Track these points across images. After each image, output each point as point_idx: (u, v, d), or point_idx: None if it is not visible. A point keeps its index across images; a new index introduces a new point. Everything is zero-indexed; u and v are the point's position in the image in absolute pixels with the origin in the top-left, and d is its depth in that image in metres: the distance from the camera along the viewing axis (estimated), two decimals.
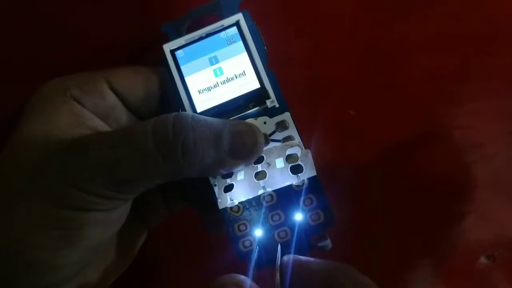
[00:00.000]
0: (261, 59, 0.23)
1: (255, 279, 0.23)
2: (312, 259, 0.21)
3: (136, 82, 0.24)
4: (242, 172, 0.23)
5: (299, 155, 0.22)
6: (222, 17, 0.24)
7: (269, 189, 0.22)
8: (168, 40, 0.24)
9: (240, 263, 0.22)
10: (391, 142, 0.30)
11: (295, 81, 0.29)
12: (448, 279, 0.31)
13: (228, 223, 0.23)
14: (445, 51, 0.30)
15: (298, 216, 0.22)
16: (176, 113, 0.21)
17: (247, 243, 0.23)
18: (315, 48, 0.30)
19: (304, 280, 0.21)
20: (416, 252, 0.31)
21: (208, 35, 0.24)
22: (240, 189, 0.22)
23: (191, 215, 0.27)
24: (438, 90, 0.30)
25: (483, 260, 0.31)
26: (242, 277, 0.21)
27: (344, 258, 0.20)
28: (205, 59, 0.23)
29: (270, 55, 0.23)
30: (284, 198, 0.23)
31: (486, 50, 0.30)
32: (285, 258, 0.21)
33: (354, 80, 0.30)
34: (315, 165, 0.22)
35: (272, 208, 0.23)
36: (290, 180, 0.22)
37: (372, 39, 0.29)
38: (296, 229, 0.22)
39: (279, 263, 0.21)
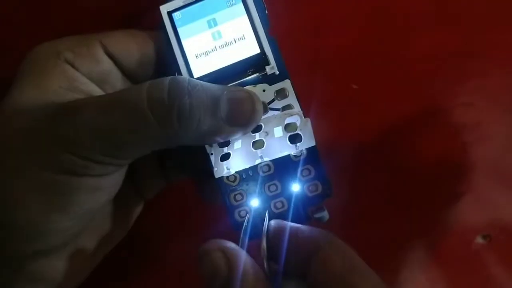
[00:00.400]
0: (262, 23, 0.22)
1: (247, 248, 0.23)
2: (297, 225, 0.21)
3: (132, 46, 0.23)
4: (239, 141, 0.22)
5: (298, 124, 0.22)
6: None
7: (266, 159, 0.22)
8: (165, 1, 0.23)
9: (235, 234, 0.22)
10: (391, 118, 0.30)
11: (296, 51, 0.28)
12: (443, 260, 0.31)
13: (224, 192, 0.22)
14: (448, 27, 0.29)
15: (295, 187, 0.22)
16: (172, 77, 0.20)
17: (243, 213, 0.22)
18: (318, 18, 0.29)
19: (291, 247, 0.20)
20: (412, 232, 0.31)
21: None
22: (237, 158, 0.22)
23: (187, 186, 0.27)
24: (440, 66, 0.29)
25: (479, 239, 0.31)
26: (229, 243, 0.20)
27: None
28: (203, 21, 0.22)
29: (273, 23, 0.23)
30: (281, 168, 0.22)
31: (489, 27, 0.29)
32: (272, 223, 0.21)
33: (357, 53, 0.29)
34: (314, 135, 0.22)
35: (269, 178, 0.22)
36: (289, 149, 0.22)
37: (374, 13, 0.29)
38: (293, 200, 0.22)
39: (265, 229, 0.21)
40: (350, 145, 0.30)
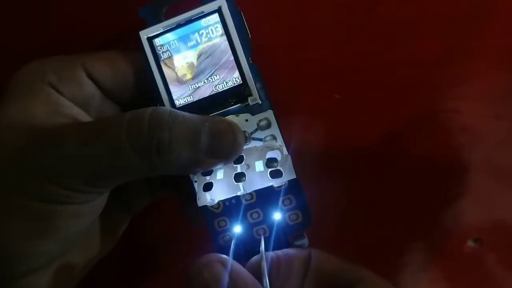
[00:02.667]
0: (244, 52, 0.22)
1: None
2: (279, 252, 0.22)
3: (114, 69, 0.23)
4: (222, 172, 0.22)
5: (279, 159, 0.22)
6: (202, 2, 0.22)
7: (248, 190, 0.22)
8: (146, 25, 0.22)
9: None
10: (376, 126, 0.30)
11: (276, 64, 0.28)
12: (438, 262, 0.32)
13: (208, 218, 0.23)
14: (429, 33, 0.28)
15: (277, 215, 0.22)
16: (153, 108, 0.20)
17: (226, 238, 0.23)
18: (296, 30, 0.28)
19: (284, 268, 0.22)
20: (406, 236, 0.32)
21: (188, 22, 0.22)
22: (219, 189, 0.22)
23: (172, 203, 0.27)
24: (423, 73, 0.29)
25: (470, 243, 0.31)
26: (226, 256, 0.22)
27: (335, 241, 0.21)
28: (184, 48, 0.22)
29: (252, 37, 0.22)
30: (263, 197, 0.22)
31: (470, 32, 0.28)
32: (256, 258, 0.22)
33: (337, 63, 0.28)
34: (294, 168, 0.22)
35: (251, 206, 0.23)
36: (270, 182, 0.22)
37: (354, 21, 0.28)
38: (275, 228, 0.22)
39: (263, 251, 0.22)
40: (338, 155, 0.30)
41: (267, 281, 0.21)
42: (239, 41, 0.21)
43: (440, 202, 0.31)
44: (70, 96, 0.22)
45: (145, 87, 0.23)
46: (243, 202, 0.23)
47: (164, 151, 0.20)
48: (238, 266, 0.21)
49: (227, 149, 0.21)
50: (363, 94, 0.29)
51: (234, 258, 0.23)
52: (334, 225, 0.24)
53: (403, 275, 0.32)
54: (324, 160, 0.30)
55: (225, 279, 0.20)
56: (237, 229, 0.23)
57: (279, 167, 0.22)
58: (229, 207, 0.23)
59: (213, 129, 0.21)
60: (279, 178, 0.22)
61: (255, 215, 0.23)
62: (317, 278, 0.21)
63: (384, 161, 0.30)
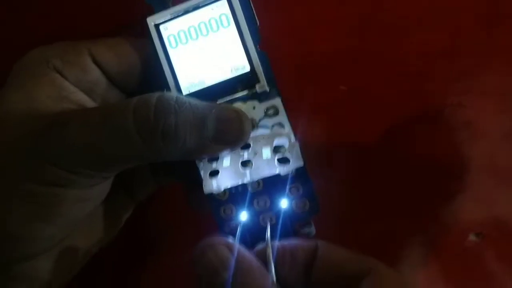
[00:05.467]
0: (252, 39, 0.21)
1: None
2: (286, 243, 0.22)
3: (120, 55, 0.23)
4: (228, 159, 0.22)
5: (286, 146, 0.22)
6: None
7: (255, 178, 0.22)
8: (153, 12, 0.22)
9: None
10: (381, 119, 0.30)
11: (283, 56, 0.27)
12: (441, 257, 0.32)
13: (214, 206, 0.23)
14: (436, 26, 0.28)
15: (284, 203, 0.22)
16: (159, 93, 0.20)
17: (232, 226, 0.23)
18: (303, 22, 0.28)
19: (289, 257, 0.21)
20: (409, 230, 0.32)
21: (196, 8, 0.22)
22: (225, 176, 0.22)
23: (178, 190, 0.27)
24: (429, 66, 0.29)
25: (472, 237, 0.31)
26: (231, 240, 0.21)
27: (335, 235, 0.21)
28: (192, 35, 0.22)
29: (260, 29, 0.22)
30: (270, 185, 0.22)
31: (478, 26, 0.28)
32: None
33: (344, 55, 0.28)
34: (302, 154, 0.22)
35: (258, 194, 0.23)
36: (277, 170, 0.22)
37: (361, 13, 0.28)
38: (281, 216, 0.22)
39: (269, 238, 0.22)
40: (342, 147, 0.30)
41: (273, 268, 0.20)
42: (247, 28, 0.21)
43: (441, 196, 0.31)
44: (74, 81, 0.22)
45: (151, 74, 0.23)
46: (250, 190, 0.23)
47: (170, 136, 0.19)
48: (244, 250, 0.21)
49: (233, 135, 0.21)
50: (369, 86, 0.29)
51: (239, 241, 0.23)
52: (334, 218, 0.24)
53: (402, 268, 0.32)
54: (327, 152, 0.30)
55: (231, 262, 0.20)
56: (243, 216, 0.23)
57: (286, 154, 0.22)
58: (235, 194, 0.23)
59: (219, 116, 0.20)
60: (286, 165, 0.22)
61: (261, 203, 0.23)
62: (324, 269, 0.21)
63: (387, 154, 0.30)
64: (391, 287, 0.20)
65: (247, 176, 0.22)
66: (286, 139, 0.21)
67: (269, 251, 0.21)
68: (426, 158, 0.30)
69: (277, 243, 0.22)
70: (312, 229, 0.23)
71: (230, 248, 0.20)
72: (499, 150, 0.30)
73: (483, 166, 0.30)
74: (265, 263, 0.21)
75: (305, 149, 0.22)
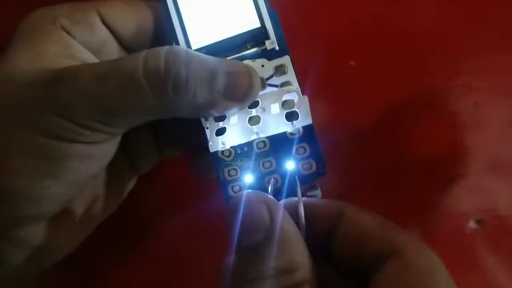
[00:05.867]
0: None
1: None
2: (311, 200, 0.21)
3: (130, 16, 0.23)
4: (236, 116, 0.22)
5: (295, 101, 0.21)
6: None
7: (262, 135, 0.22)
8: None
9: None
10: (389, 97, 0.30)
11: (293, 23, 0.27)
12: (437, 243, 0.31)
13: (218, 167, 0.22)
14: (449, 2, 0.28)
15: (290, 165, 0.22)
16: (170, 46, 0.20)
17: (236, 188, 0.22)
18: None
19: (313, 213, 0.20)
20: (405, 216, 0.31)
21: None
22: (232, 133, 0.22)
23: (179, 162, 0.26)
24: (440, 43, 0.29)
25: (471, 224, 0.31)
26: (272, 199, 0.19)
27: None
28: None
29: None
30: (277, 145, 0.22)
31: (491, 3, 0.28)
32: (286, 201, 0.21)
33: (355, 29, 0.29)
34: (311, 113, 0.21)
35: (264, 155, 0.22)
36: (285, 127, 0.22)
37: None
38: (288, 177, 0.22)
39: (300, 196, 0.21)
40: (346, 123, 0.30)
41: (304, 231, 0.19)
42: None
43: (442, 181, 0.31)
44: (82, 40, 0.22)
45: (161, 35, 0.23)
46: (256, 150, 0.22)
47: (180, 88, 0.19)
48: (284, 215, 0.19)
49: (243, 90, 0.21)
50: (378, 63, 0.29)
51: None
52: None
53: None
54: (329, 128, 0.29)
55: (270, 230, 0.18)
56: (248, 178, 0.22)
57: (295, 109, 0.21)
58: (241, 154, 0.22)
59: (230, 70, 0.20)
60: (295, 121, 0.21)
61: (267, 164, 0.22)
62: (345, 241, 0.19)
63: (389, 135, 0.30)
64: (415, 278, 0.17)
65: (255, 133, 0.22)
66: (295, 94, 0.21)
67: (301, 210, 0.20)
68: (429, 141, 0.30)
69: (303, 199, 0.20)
70: (318, 192, 0.22)
71: (270, 209, 0.19)
72: (506, 135, 0.30)
73: (485, 153, 0.30)
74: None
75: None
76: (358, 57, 0.28)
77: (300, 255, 0.18)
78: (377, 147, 0.30)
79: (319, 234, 0.20)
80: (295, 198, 0.21)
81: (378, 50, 0.29)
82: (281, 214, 0.19)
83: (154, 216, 0.31)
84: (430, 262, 0.18)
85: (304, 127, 0.22)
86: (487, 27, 0.29)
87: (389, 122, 0.30)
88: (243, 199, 0.19)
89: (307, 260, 0.18)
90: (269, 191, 0.21)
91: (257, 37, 0.22)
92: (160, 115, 0.20)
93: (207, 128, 0.22)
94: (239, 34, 0.22)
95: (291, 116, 0.21)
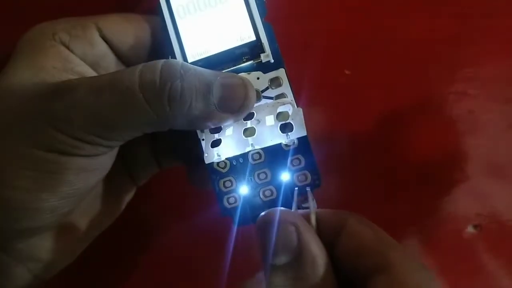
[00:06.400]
0: (258, 10, 0.22)
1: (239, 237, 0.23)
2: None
3: (127, 30, 0.23)
4: (231, 128, 0.22)
5: (290, 113, 0.21)
6: None
7: (257, 147, 0.22)
8: None
9: (224, 220, 0.22)
10: (384, 105, 0.30)
11: (287, 35, 0.28)
12: (435, 248, 0.31)
13: (214, 178, 0.22)
14: (443, 12, 0.28)
15: (285, 176, 0.22)
16: (165, 60, 0.20)
17: (231, 200, 0.22)
18: (307, 2, 0.28)
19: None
20: (404, 220, 0.31)
21: None
22: (227, 145, 0.22)
23: (177, 173, 0.27)
24: (434, 52, 0.29)
25: (470, 229, 0.31)
26: (300, 217, 0.20)
27: None
28: (200, 6, 0.22)
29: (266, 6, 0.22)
30: (272, 156, 0.22)
31: (488, 12, 0.29)
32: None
33: (349, 39, 0.29)
34: (306, 125, 0.22)
35: (259, 166, 0.22)
36: (280, 138, 0.22)
37: None
38: (283, 188, 0.22)
39: (312, 205, 0.21)
40: (342, 132, 0.30)
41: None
42: (254, 0, 0.22)
43: (440, 186, 0.31)
44: (81, 54, 0.22)
45: (158, 49, 0.23)
46: (251, 161, 0.22)
47: (176, 101, 0.19)
48: (312, 235, 0.19)
49: (238, 103, 0.21)
50: (372, 72, 0.29)
51: (240, 220, 0.22)
52: (329, 206, 0.23)
53: None
54: (325, 136, 0.29)
55: (296, 249, 0.18)
56: (243, 190, 0.22)
57: (290, 120, 0.21)
58: (236, 166, 0.22)
59: (225, 83, 0.21)
60: (289, 133, 0.21)
61: (262, 176, 0.22)
62: (344, 251, 0.20)
63: (386, 143, 0.30)
64: None
65: (250, 145, 0.22)
66: (289, 106, 0.21)
67: (313, 218, 0.20)
68: (424, 147, 0.30)
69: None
70: (314, 204, 0.22)
71: (297, 228, 0.19)
72: (502, 141, 0.30)
73: (482, 158, 0.30)
74: None
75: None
76: (353, 66, 0.29)
77: (325, 279, 0.19)
78: (373, 155, 0.30)
79: (324, 243, 0.20)
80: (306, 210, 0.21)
81: (373, 59, 0.29)
82: (309, 236, 0.19)
83: (152, 224, 0.31)
84: (421, 280, 0.18)
85: (299, 139, 0.22)
86: (481, 36, 0.29)
87: (384, 130, 0.30)
88: (273, 217, 0.19)
89: (330, 283, 0.19)
90: (309, 197, 0.21)
91: (252, 50, 0.22)
92: (156, 128, 0.21)
93: (203, 139, 0.22)
94: (235, 47, 0.22)
95: (285, 128, 0.22)
